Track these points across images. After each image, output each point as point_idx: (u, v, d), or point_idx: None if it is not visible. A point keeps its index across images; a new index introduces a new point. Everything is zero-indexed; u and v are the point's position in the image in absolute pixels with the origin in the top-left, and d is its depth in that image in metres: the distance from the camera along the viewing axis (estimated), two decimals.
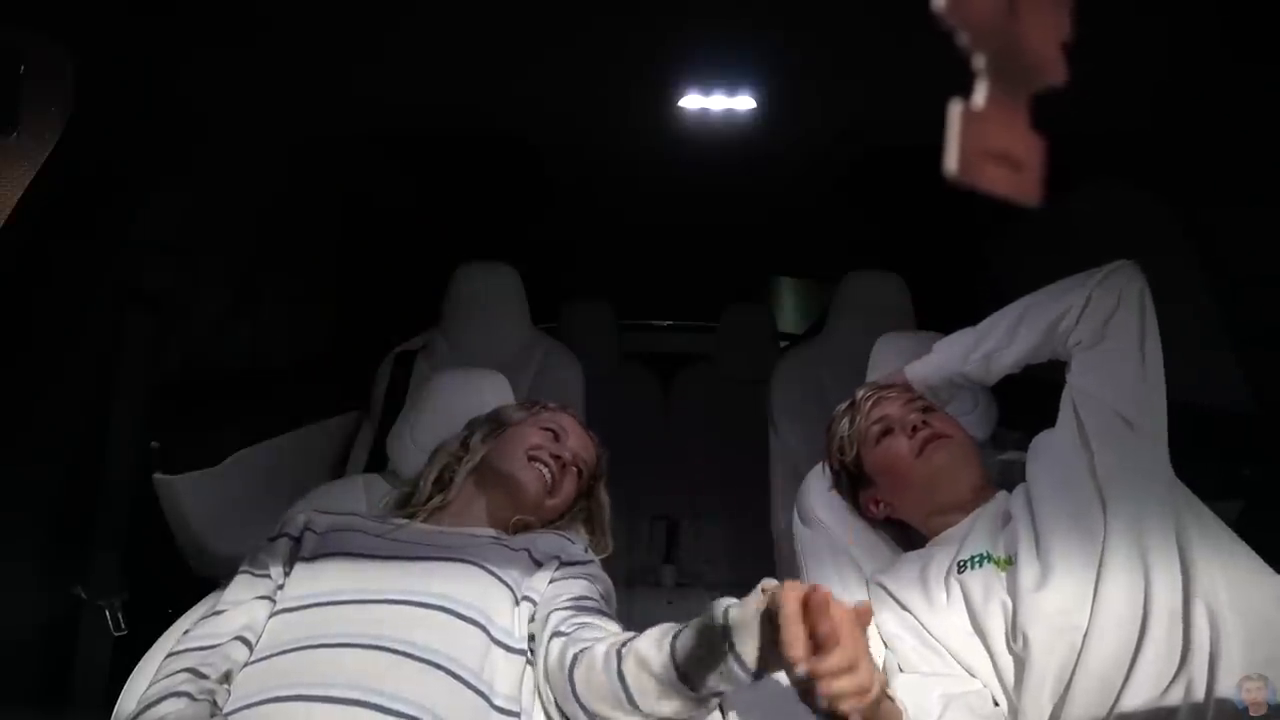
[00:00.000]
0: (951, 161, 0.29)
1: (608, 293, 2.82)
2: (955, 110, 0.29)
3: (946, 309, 1.50)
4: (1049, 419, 1.06)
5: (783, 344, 2.85)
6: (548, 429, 1.23)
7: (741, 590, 0.73)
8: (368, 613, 0.88)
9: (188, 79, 1.09)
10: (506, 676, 0.87)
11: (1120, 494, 0.91)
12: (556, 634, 0.88)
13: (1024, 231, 1.76)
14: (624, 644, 0.79)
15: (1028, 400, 1.17)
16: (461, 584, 0.93)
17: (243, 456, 1.44)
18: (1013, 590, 0.89)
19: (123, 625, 1.10)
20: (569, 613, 0.91)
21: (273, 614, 0.91)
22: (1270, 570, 0.87)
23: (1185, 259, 1.25)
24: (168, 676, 0.82)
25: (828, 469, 1.23)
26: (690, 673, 0.72)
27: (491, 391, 1.45)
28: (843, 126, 1.48)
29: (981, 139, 0.29)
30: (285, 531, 1.03)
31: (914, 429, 1.09)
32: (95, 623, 1.10)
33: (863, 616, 0.64)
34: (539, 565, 1.01)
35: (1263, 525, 1.03)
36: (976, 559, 0.95)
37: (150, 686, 0.83)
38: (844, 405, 1.21)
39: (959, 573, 0.95)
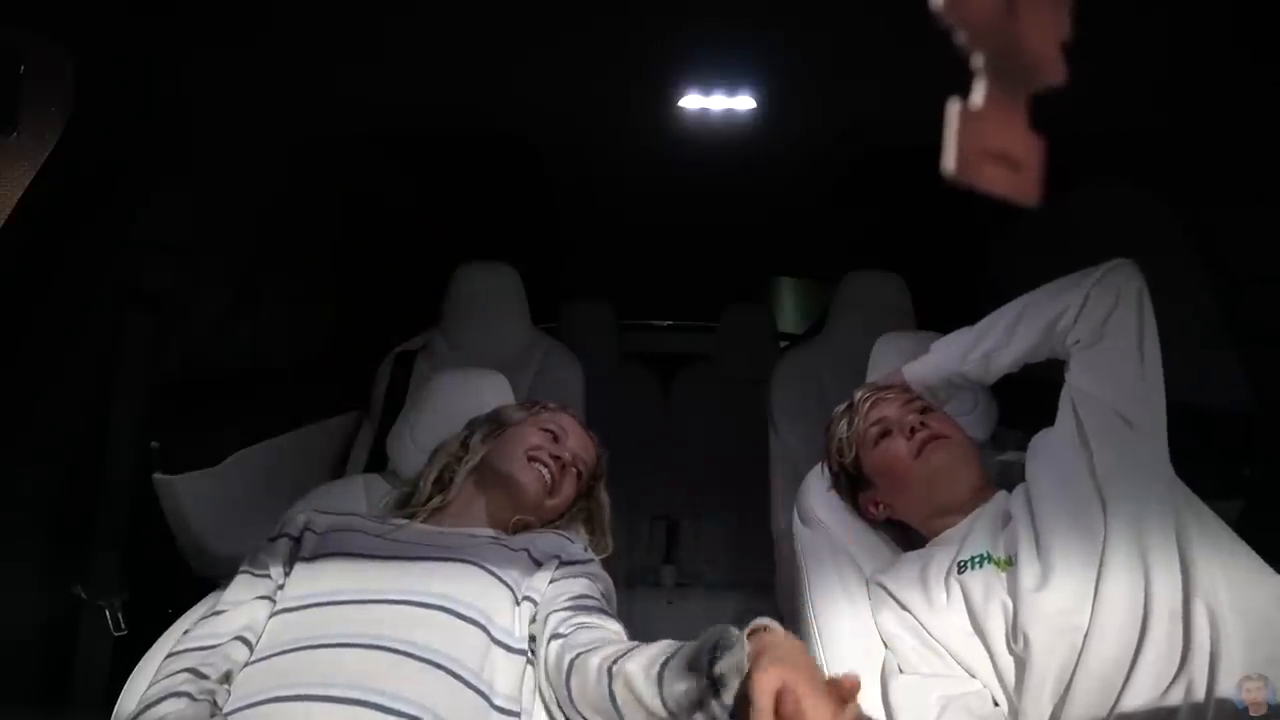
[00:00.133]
0: (950, 161, 0.29)
1: (608, 293, 2.82)
2: (954, 110, 0.29)
3: (946, 309, 1.50)
4: (1049, 418, 1.06)
5: (783, 344, 2.85)
6: (547, 429, 1.23)
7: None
8: (368, 613, 0.88)
9: (188, 79, 1.09)
10: (507, 676, 0.88)
11: (1120, 493, 0.91)
12: (555, 636, 0.88)
13: (1024, 231, 1.76)
14: (615, 660, 0.78)
15: (1028, 400, 1.17)
16: (461, 584, 0.93)
17: (243, 456, 1.44)
18: (1013, 590, 0.89)
19: (123, 625, 1.10)
20: (568, 613, 0.91)
21: (273, 614, 0.91)
22: (1270, 570, 0.87)
23: (1185, 258, 1.25)
24: (168, 676, 0.82)
25: (827, 470, 1.23)
26: (678, 711, 0.72)
27: (491, 391, 1.45)
28: (843, 126, 1.48)
29: (980, 138, 0.29)
30: (285, 531, 1.03)
31: (912, 430, 1.09)
32: (95, 623, 1.10)
33: (848, 692, 0.61)
34: (539, 565, 1.01)
35: (1263, 525, 1.03)
36: (976, 559, 0.95)
37: (150, 686, 0.83)
38: (842, 407, 1.21)
39: (959, 573, 0.95)
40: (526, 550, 1.03)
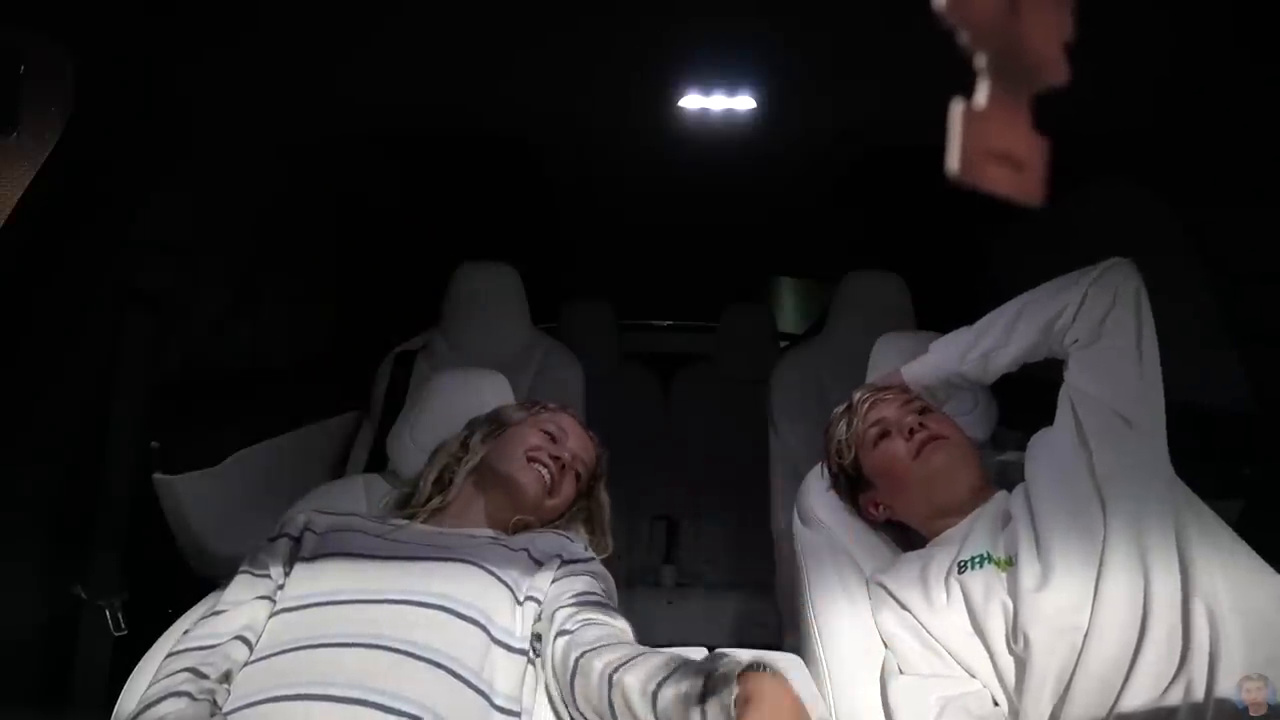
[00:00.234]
0: (953, 161, 0.29)
1: (608, 293, 2.82)
2: (957, 110, 0.29)
3: (946, 309, 1.50)
4: (1049, 418, 1.06)
5: (783, 344, 2.85)
6: (547, 430, 1.23)
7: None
8: (368, 612, 0.88)
9: (187, 79, 1.09)
10: (507, 676, 0.88)
11: (1119, 493, 0.91)
12: (562, 632, 0.88)
13: (1024, 231, 1.76)
14: (617, 669, 0.79)
15: (1028, 400, 1.17)
16: (461, 584, 0.93)
17: (243, 456, 1.44)
18: (1013, 590, 0.89)
19: (123, 625, 1.10)
20: (573, 609, 0.91)
21: (273, 614, 0.91)
22: (1270, 570, 0.87)
23: (1185, 258, 1.25)
24: (168, 676, 0.82)
25: (827, 471, 1.23)
26: None
27: (491, 391, 1.45)
28: (843, 126, 1.48)
29: (983, 139, 0.29)
30: (285, 532, 1.03)
31: (911, 431, 1.09)
32: (95, 623, 1.10)
33: None
34: (539, 565, 1.01)
35: (1263, 525, 1.03)
36: (977, 559, 0.95)
37: (150, 686, 0.82)
38: (841, 408, 1.21)
39: (959, 573, 0.95)
40: (526, 550, 1.03)
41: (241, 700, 0.80)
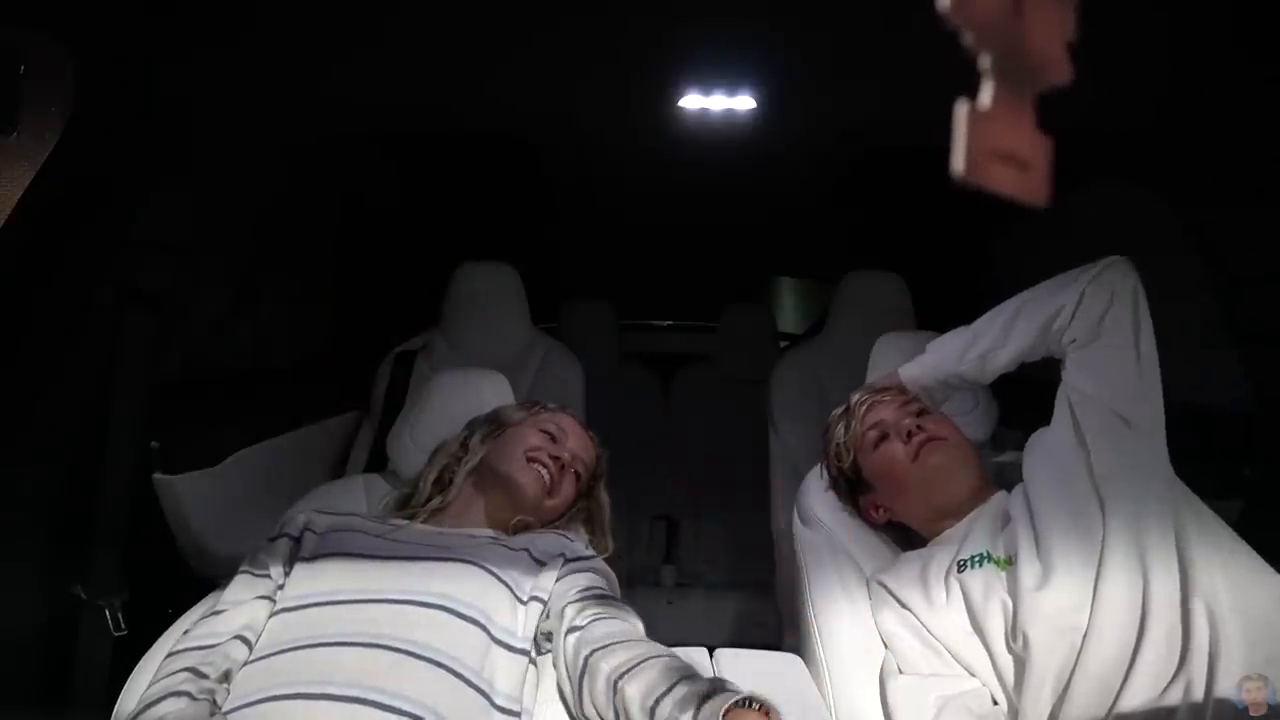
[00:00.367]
0: (958, 161, 0.29)
1: (608, 293, 2.82)
2: (962, 110, 0.29)
3: (946, 309, 1.50)
4: (1049, 418, 1.05)
5: (783, 344, 2.85)
6: (547, 430, 1.23)
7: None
8: (367, 612, 0.88)
9: (187, 79, 1.09)
10: (508, 676, 0.88)
11: (1119, 493, 0.91)
12: (571, 629, 0.88)
13: (1025, 231, 1.76)
14: (621, 675, 0.79)
15: (1028, 399, 1.17)
16: (461, 583, 0.93)
17: (243, 456, 1.44)
18: (1013, 590, 0.89)
19: (123, 625, 1.10)
20: (581, 604, 0.92)
21: (272, 614, 0.91)
22: (1270, 570, 0.87)
23: (1186, 258, 1.25)
24: (168, 676, 0.82)
25: (826, 474, 1.23)
26: None
27: (491, 391, 1.45)
28: (843, 126, 1.48)
29: (988, 139, 0.29)
30: (285, 532, 1.03)
31: (909, 434, 1.08)
32: (95, 623, 1.10)
33: None
34: (541, 565, 1.01)
35: (1263, 525, 1.03)
36: (976, 559, 0.95)
37: (150, 686, 0.82)
38: (839, 411, 1.21)
39: (959, 572, 0.95)
40: (527, 550, 1.03)
41: (241, 700, 0.80)
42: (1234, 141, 1.15)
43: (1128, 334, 0.99)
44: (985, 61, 0.29)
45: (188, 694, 0.80)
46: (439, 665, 0.83)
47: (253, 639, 0.89)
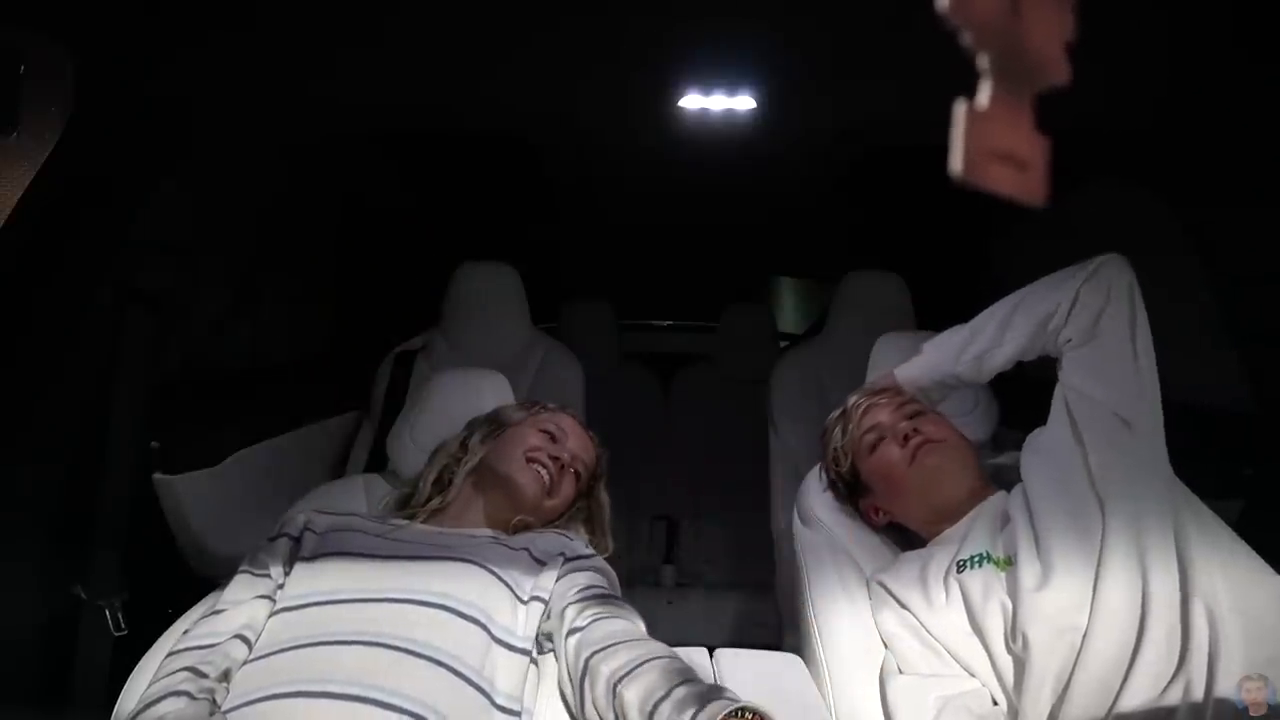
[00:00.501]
0: (957, 161, 0.29)
1: (608, 293, 2.82)
2: (960, 110, 0.29)
3: (946, 309, 1.50)
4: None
5: (783, 344, 2.85)
6: (546, 430, 1.23)
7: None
8: (367, 611, 0.88)
9: (187, 79, 1.09)
10: (508, 675, 0.88)
11: (1118, 493, 0.91)
12: (572, 630, 0.88)
13: (1025, 231, 1.76)
14: (621, 679, 0.79)
15: (1028, 399, 1.16)
16: (461, 583, 0.93)
17: (243, 456, 1.44)
18: (1012, 590, 0.89)
19: (123, 625, 1.10)
20: (581, 605, 0.91)
21: (272, 613, 0.91)
22: (1270, 570, 0.87)
23: (1186, 258, 1.25)
24: (167, 675, 0.82)
25: (825, 476, 1.23)
26: None
27: (491, 391, 1.45)
28: (843, 126, 1.48)
29: (986, 139, 0.29)
30: (285, 531, 1.03)
31: (906, 437, 1.08)
32: (95, 623, 1.10)
33: None
34: (541, 564, 1.01)
35: (1263, 525, 1.03)
36: (976, 559, 0.95)
37: (150, 685, 0.82)
38: (836, 414, 1.21)
39: (958, 572, 0.95)
40: (527, 550, 1.03)
41: (240, 699, 0.80)
42: (1234, 141, 1.15)
43: (1124, 333, 0.99)
44: (984, 61, 0.29)
45: (187, 693, 0.80)
46: (439, 664, 0.83)
47: (252, 638, 0.89)
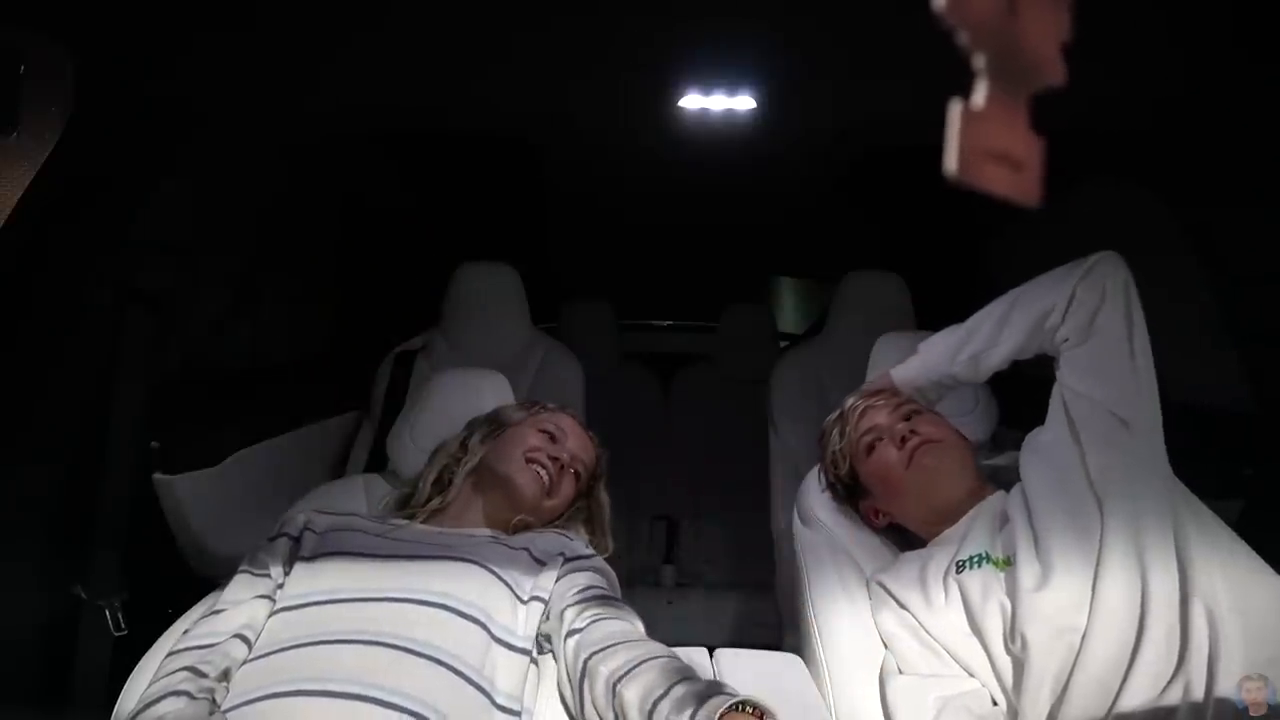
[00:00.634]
0: (951, 161, 0.29)
1: (608, 293, 2.82)
2: (955, 110, 0.29)
3: (946, 309, 1.50)
4: None
5: (783, 344, 2.85)
6: (546, 430, 1.23)
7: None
8: (367, 610, 0.88)
9: (187, 79, 1.09)
10: (508, 675, 0.88)
11: (1117, 492, 0.90)
12: (571, 632, 0.88)
13: (1024, 231, 1.76)
14: (620, 679, 0.79)
15: (1029, 398, 1.16)
16: (461, 582, 0.93)
17: (243, 456, 1.44)
18: (1011, 591, 0.89)
19: (123, 625, 1.11)
20: (580, 606, 0.91)
21: (272, 613, 0.91)
22: (1270, 570, 0.87)
23: (1185, 258, 1.25)
24: (167, 675, 0.82)
25: (824, 479, 1.23)
26: None
27: (491, 391, 1.45)
28: (843, 126, 1.48)
29: (981, 139, 0.29)
30: (285, 531, 1.03)
31: (903, 439, 1.08)
32: (95, 623, 1.10)
33: None
34: (541, 564, 1.01)
35: (1263, 525, 1.03)
36: (975, 559, 0.95)
37: (150, 685, 0.82)
38: (833, 416, 1.20)
39: (957, 573, 0.95)
40: (527, 550, 1.03)
41: (240, 698, 0.80)
42: (1233, 141, 1.14)
43: (1121, 332, 0.98)
44: (979, 61, 0.29)
45: (187, 693, 0.80)
46: (439, 663, 0.83)
47: (252, 638, 0.89)
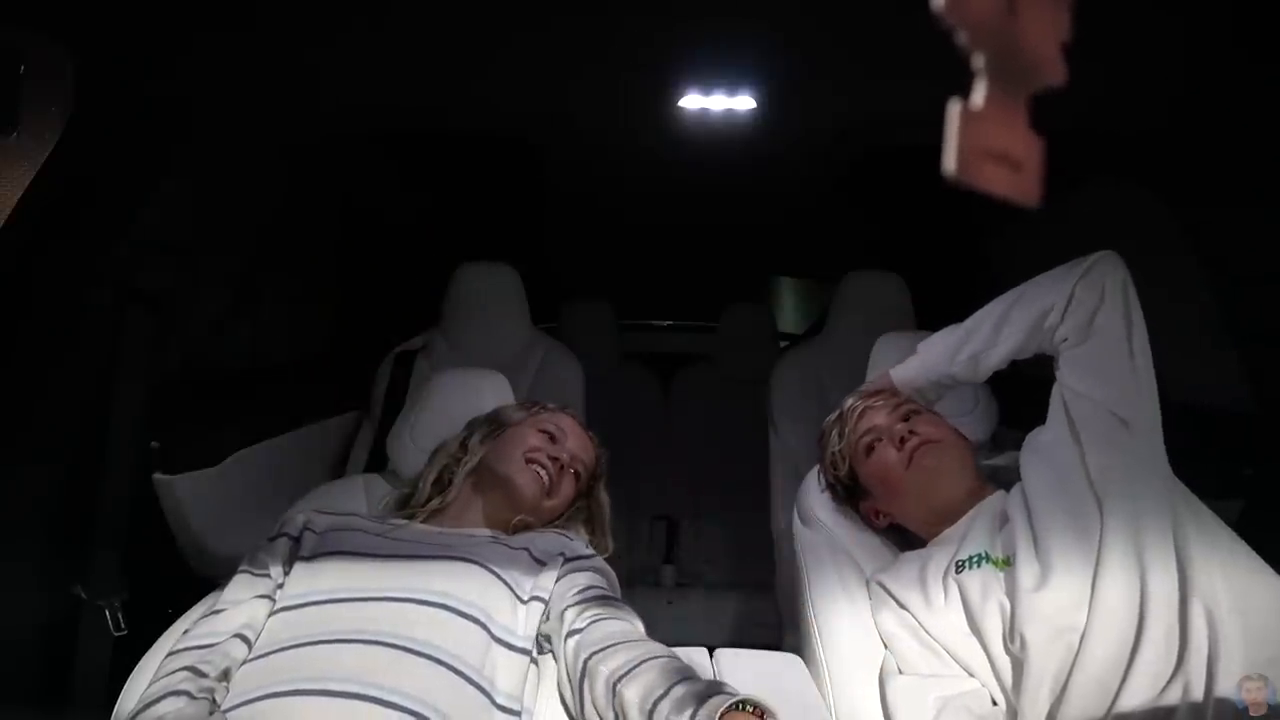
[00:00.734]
0: (951, 161, 0.29)
1: (608, 293, 2.82)
2: (954, 110, 0.29)
3: (946, 309, 1.50)
4: None
5: (783, 344, 2.85)
6: (546, 430, 1.23)
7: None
8: (367, 610, 0.88)
9: (187, 79, 1.09)
10: (508, 675, 0.88)
11: (1116, 492, 0.90)
12: (571, 632, 0.89)
13: (1024, 231, 1.76)
14: (620, 679, 0.79)
15: (1029, 398, 1.16)
16: (461, 582, 0.93)
17: (243, 456, 1.44)
18: (1011, 590, 0.89)
19: (123, 625, 1.11)
20: (580, 606, 0.91)
21: (272, 613, 0.91)
22: (1270, 570, 0.87)
23: (1185, 258, 1.25)
24: (167, 675, 0.82)
25: (823, 480, 1.23)
26: None
27: (491, 391, 1.45)
28: (843, 126, 1.48)
29: (981, 138, 0.29)
30: (285, 531, 1.03)
31: (902, 440, 1.08)
32: (95, 623, 1.10)
33: None
34: (541, 565, 1.01)
35: (1263, 525, 1.03)
36: (975, 559, 0.95)
37: (150, 685, 0.83)
38: (832, 417, 1.20)
39: (957, 573, 0.95)
40: (527, 550, 1.03)
41: (240, 698, 0.80)
42: (1233, 141, 1.14)
43: (1120, 331, 0.98)
44: (979, 61, 0.29)
45: (187, 693, 0.80)
46: (439, 663, 0.83)
47: (252, 638, 0.89)
